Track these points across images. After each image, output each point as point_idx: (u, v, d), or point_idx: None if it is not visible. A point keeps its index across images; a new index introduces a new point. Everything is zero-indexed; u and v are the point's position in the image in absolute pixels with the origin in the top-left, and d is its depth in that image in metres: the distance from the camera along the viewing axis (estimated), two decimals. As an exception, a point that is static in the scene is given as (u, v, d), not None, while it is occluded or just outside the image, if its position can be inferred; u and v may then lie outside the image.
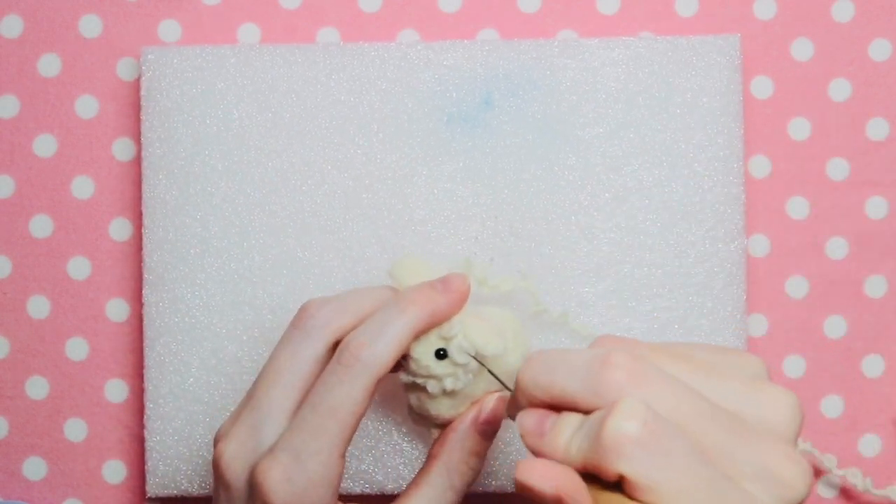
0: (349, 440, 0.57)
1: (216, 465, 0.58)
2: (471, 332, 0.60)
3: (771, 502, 0.47)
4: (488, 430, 0.61)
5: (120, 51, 0.72)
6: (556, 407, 0.49)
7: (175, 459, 0.69)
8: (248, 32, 0.72)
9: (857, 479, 0.71)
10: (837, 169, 0.72)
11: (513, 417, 0.52)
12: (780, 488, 0.48)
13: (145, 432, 0.69)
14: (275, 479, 0.55)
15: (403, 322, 0.58)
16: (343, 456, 0.57)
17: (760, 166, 0.72)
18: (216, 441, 0.59)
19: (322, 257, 0.69)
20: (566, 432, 0.48)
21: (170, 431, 0.69)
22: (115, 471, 0.72)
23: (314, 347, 0.59)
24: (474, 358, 0.60)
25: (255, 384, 0.59)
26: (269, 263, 0.69)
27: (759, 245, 0.72)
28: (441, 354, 0.60)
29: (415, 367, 0.60)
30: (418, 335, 0.59)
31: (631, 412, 0.46)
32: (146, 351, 0.69)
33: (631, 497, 0.46)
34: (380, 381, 0.57)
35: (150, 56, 0.70)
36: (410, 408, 0.63)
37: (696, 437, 0.47)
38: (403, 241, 0.69)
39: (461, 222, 0.69)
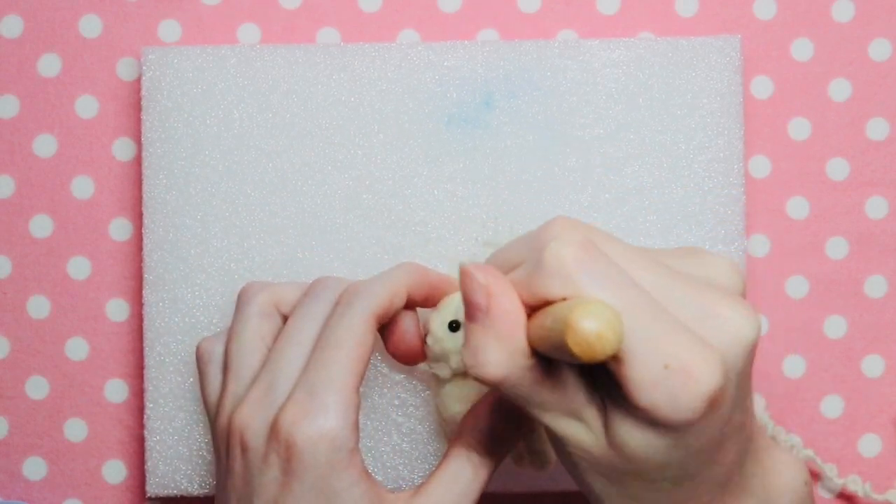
0: (360, 375, 0.57)
1: (231, 436, 0.58)
2: None
3: (717, 342, 0.49)
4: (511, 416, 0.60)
5: (120, 51, 0.72)
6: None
7: (175, 459, 0.69)
8: (249, 32, 0.72)
9: (857, 486, 0.71)
10: (837, 169, 0.72)
11: None
12: (723, 328, 0.49)
13: (145, 432, 0.69)
14: (294, 415, 0.55)
15: (399, 273, 0.60)
16: (357, 390, 0.57)
17: (760, 166, 0.72)
18: (219, 412, 0.59)
19: (322, 258, 0.69)
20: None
21: (170, 431, 0.69)
22: (115, 471, 0.72)
23: (325, 305, 0.60)
24: None
25: (270, 354, 0.60)
26: (270, 264, 0.69)
27: (759, 245, 0.72)
28: (454, 326, 0.61)
29: (431, 342, 0.61)
30: (414, 291, 0.60)
31: (569, 238, 0.49)
32: (146, 351, 0.69)
33: None
34: (379, 320, 0.58)
35: (150, 56, 0.70)
36: (441, 423, 0.64)
37: (632, 275, 0.49)
38: (404, 242, 0.69)
39: (461, 223, 0.69)
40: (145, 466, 0.69)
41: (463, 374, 0.62)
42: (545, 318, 0.48)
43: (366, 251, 0.69)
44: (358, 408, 0.57)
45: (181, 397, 0.69)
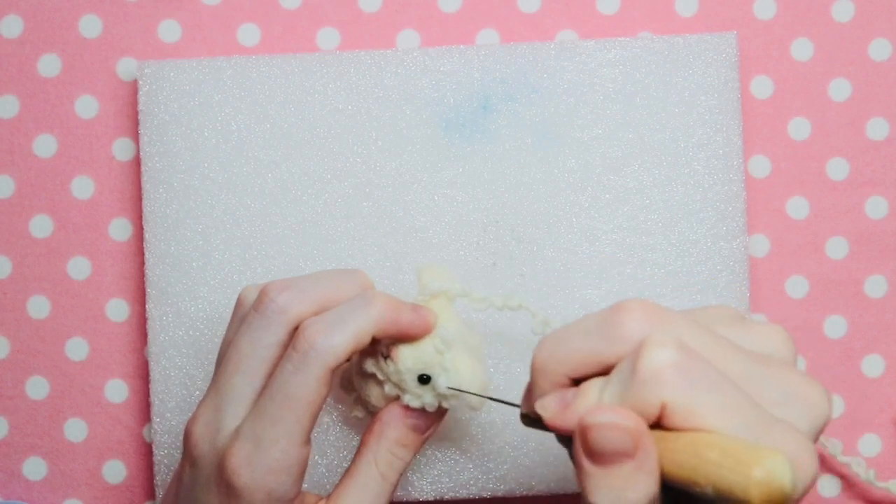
0: (310, 428, 0.57)
1: (186, 442, 0.59)
2: (461, 371, 0.60)
3: (804, 425, 0.48)
4: (420, 426, 0.61)
5: (120, 51, 0.72)
6: (577, 377, 0.49)
7: (183, 474, 0.69)
8: (249, 33, 0.72)
9: (860, 469, 0.71)
10: (837, 169, 0.72)
11: (528, 418, 0.52)
12: (807, 408, 0.48)
13: (153, 447, 0.69)
14: (238, 462, 0.56)
15: (365, 317, 0.57)
16: (306, 442, 0.57)
17: (760, 166, 0.72)
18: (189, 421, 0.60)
19: (324, 266, 0.68)
20: (593, 392, 0.48)
21: (177, 445, 0.69)
22: (115, 471, 0.72)
23: (274, 334, 0.58)
24: (451, 390, 0.60)
25: (220, 367, 0.59)
26: (272, 275, 0.69)
27: (760, 245, 0.72)
28: (424, 379, 0.60)
29: (393, 371, 0.60)
30: (377, 336, 0.58)
31: (662, 341, 0.46)
32: (151, 365, 0.69)
33: (671, 429, 0.46)
34: (335, 371, 0.57)
35: (147, 70, 0.69)
36: (347, 380, 0.64)
37: (720, 367, 0.47)
38: (405, 249, 0.69)
39: (462, 228, 0.69)
40: (154, 481, 0.69)
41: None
42: (705, 450, 0.46)
43: (367, 259, 0.69)
44: (306, 459, 0.57)
45: (187, 411, 0.69)
